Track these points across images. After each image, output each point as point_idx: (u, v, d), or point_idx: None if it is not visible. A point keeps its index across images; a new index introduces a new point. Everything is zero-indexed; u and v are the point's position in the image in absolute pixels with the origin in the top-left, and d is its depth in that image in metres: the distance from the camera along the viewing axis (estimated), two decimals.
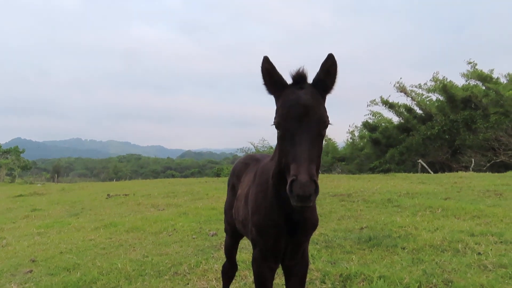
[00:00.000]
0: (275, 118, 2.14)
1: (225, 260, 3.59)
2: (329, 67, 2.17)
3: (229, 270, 3.50)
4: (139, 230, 8.74)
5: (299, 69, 2.18)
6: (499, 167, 26.68)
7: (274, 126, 2.15)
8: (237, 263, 4.90)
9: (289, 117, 2.05)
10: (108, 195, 16.79)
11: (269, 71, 2.23)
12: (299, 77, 2.18)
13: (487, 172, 19.68)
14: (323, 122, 2.09)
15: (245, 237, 3.21)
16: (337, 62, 2.18)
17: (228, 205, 3.31)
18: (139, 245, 7.43)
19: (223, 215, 9.72)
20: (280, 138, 2.13)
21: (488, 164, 27.55)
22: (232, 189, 3.23)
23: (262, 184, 2.51)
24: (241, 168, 3.20)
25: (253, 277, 2.55)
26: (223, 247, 6.72)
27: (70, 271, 5.95)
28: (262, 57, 2.22)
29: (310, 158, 1.95)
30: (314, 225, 2.51)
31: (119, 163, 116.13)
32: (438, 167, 30.44)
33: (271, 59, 2.24)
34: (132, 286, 5.00)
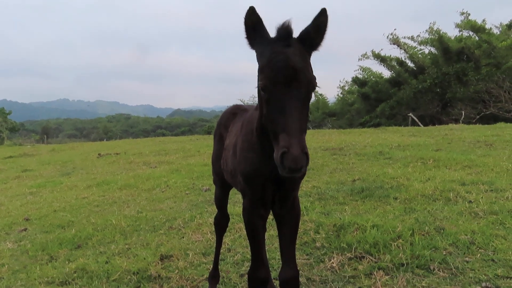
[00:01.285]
0: (260, 79, 1.96)
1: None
2: (320, 23, 2.01)
3: (221, 221, 3.49)
4: (132, 188, 8.74)
5: (286, 22, 1.99)
6: (488, 119, 26.91)
7: (259, 87, 1.98)
8: (232, 216, 4.93)
9: (277, 81, 1.89)
10: (99, 154, 16.68)
11: (254, 25, 2.04)
12: (286, 32, 1.98)
13: (477, 124, 19.84)
14: (313, 85, 1.96)
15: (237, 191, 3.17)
16: (329, 19, 2.01)
17: (215, 156, 3.24)
18: (132, 201, 7.44)
19: None
20: (266, 102, 1.96)
21: (478, 117, 27.77)
22: (220, 140, 3.14)
23: (247, 134, 2.43)
24: (228, 117, 3.11)
25: (244, 226, 2.53)
26: None
27: (64, 228, 5.96)
28: (248, 8, 2.01)
29: (301, 128, 1.85)
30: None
31: (108, 123, 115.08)
32: (428, 120, 30.62)
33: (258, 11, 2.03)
34: (128, 240, 5.03)
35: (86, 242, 5.18)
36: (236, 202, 6.36)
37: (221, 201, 3.39)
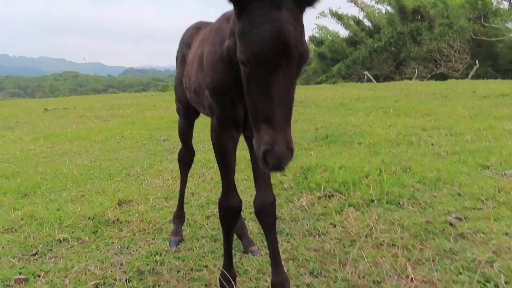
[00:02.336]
0: (240, 50, 1.55)
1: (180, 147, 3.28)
2: None
3: (186, 156, 3.22)
4: (84, 139, 8.17)
5: None
6: (438, 78, 27.89)
7: (238, 57, 1.58)
8: (194, 162, 4.68)
9: (262, 57, 1.49)
10: (45, 109, 15.54)
11: None
12: None
13: (431, 80, 20.47)
14: (305, 60, 1.57)
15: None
16: None
17: (177, 82, 2.90)
18: (85, 152, 6.95)
19: (173, 123, 9.20)
20: (246, 77, 1.59)
21: (429, 76, 28.71)
22: (182, 61, 2.80)
23: (216, 44, 2.07)
24: (191, 34, 2.76)
25: (213, 149, 2.25)
26: (176, 150, 6.45)
27: (9, 179, 5.43)
28: None
29: (288, 117, 1.54)
30: None
31: (55, 82, 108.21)
32: (382, 79, 31.26)
33: None
34: (81, 188, 4.65)
35: (34, 191, 4.73)
36: (197, 150, 6.08)
37: (185, 132, 3.10)
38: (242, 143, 2.73)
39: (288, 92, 1.55)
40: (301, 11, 1.59)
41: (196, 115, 3.02)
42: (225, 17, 2.13)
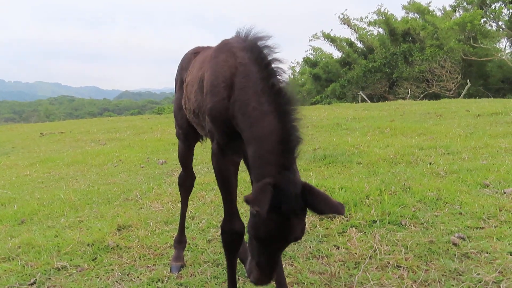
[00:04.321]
0: (251, 226, 1.87)
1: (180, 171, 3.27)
2: (333, 211, 1.77)
3: (187, 180, 3.20)
4: (81, 164, 8.13)
5: (291, 187, 1.76)
6: (431, 98, 28.25)
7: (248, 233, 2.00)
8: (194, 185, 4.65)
9: (271, 244, 1.84)
10: (41, 133, 15.51)
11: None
12: (296, 202, 1.74)
13: (424, 100, 20.70)
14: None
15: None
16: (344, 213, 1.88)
17: (177, 106, 2.91)
18: (82, 177, 6.90)
19: (171, 145, 9.15)
20: (253, 240, 1.92)
21: (422, 95, 29.08)
22: (181, 86, 2.81)
23: (219, 64, 2.08)
24: (190, 59, 2.79)
25: (214, 173, 2.25)
26: (174, 173, 6.43)
27: (5, 205, 5.38)
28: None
29: (274, 267, 1.90)
30: None
31: (50, 106, 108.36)
32: (376, 99, 31.64)
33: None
34: (79, 213, 4.59)
35: (31, 218, 4.66)
36: (197, 173, 6.06)
37: (186, 157, 3.09)
38: (241, 165, 2.72)
39: (280, 256, 1.98)
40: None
41: (196, 139, 3.02)
42: (228, 47, 2.15)
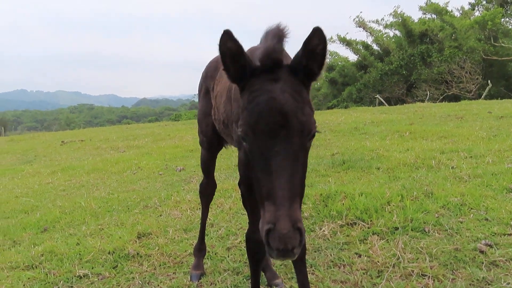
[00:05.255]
0: (239, 124, 1.53)
1: (202, 179, 3.27)
2: (313, 47, 1.50)
3: (208, 188, 3.20)
4: (101, 171, 8.25)
5: (270, 47, 1.53)
6: (451, 99, 27.74)
7: (239, 134, 1.56)
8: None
9: (259, 130, 1.45)
10: (62, 141, 15.83)
11: (232, 53, 1.53)
12: (271, 60, 1.52)
13: (444, 102, 20.34)
14: (309, 132, 1.49)
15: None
16: (326, 38, 1.50)
17: (202, 114, 2.92)
18: (102, 184, 6.99)
19: (188, 152, 9.22)
20: (249, 153, 1.55)
21: (441, 97, 28.57)
22: (206, 94, 2.82)
23: None
24: (216, 67, 2.78)
25: (239, 180, 2.22)
26: (193, 180, 6.46)
27: (28, 213, 5.48)
28: (222, 33, 1.50)
29: (293, 193, 1.42)
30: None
31: (71, 114, 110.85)
32: (394, 102, 31.23)
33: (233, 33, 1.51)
34: (100, 221, 4.64)
35: (53, 225, 4.74)
36: (217, 179, 6.06)
37: (208, 165, 3.10)
38: None
39: (291, 165, 1.45)
40: (303, 84, 1.57)
41: (220, 147, 3.02)
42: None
